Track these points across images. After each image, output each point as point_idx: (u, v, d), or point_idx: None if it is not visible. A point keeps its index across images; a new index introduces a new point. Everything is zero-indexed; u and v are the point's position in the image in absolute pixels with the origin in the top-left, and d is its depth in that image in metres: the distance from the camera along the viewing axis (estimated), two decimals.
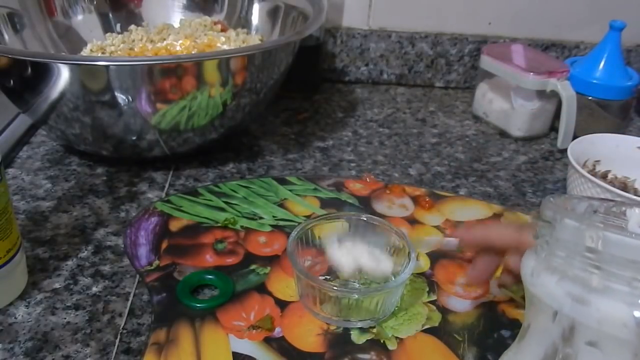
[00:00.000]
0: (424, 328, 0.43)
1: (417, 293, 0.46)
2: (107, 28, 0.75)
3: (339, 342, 0.41)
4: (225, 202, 0.56)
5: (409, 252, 0.44)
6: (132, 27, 0.74)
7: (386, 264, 0.45)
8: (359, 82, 0.89)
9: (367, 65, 0.88)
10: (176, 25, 0.76)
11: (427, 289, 0.47)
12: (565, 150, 0.59)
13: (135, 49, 0.69)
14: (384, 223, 0.47)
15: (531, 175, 0.67)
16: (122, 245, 0.50)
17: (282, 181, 0.60)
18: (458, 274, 0.48)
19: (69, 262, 0.48)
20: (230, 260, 0.48)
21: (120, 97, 0.53)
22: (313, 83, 0.85)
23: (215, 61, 0.54)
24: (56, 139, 0.65)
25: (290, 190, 0.59)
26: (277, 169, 0.64)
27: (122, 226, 0.53)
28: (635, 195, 0.55)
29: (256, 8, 0.76)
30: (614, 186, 0.54)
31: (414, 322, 0.43)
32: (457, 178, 0.65)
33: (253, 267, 0.48)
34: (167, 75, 0.52)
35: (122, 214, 0.55)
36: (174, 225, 0.52)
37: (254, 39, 0.72)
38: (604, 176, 0.61)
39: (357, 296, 0.42)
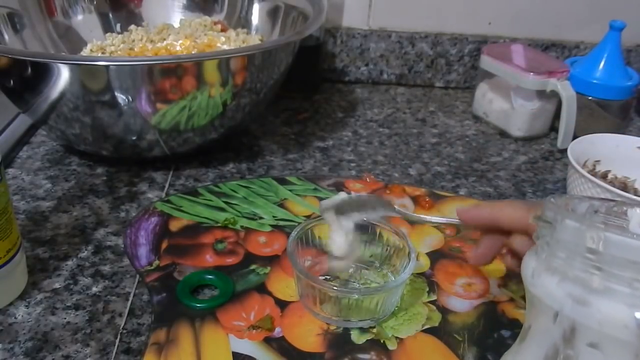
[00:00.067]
0: (424, 328, 0.43)
1: (417, 293, 0.46)
2: (107, 28, 0.75)
3: (339, 342, 0.41)
4: (225, 202, 0.56)
5: (409, 252, 0.44)
6: (132, 27, 0.74)
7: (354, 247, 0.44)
8: (359, 82, 0.89)
9: (367, 65, 0.88)
10: (176, 25, 0.76)
11: (427, 289, 0.47)
12: (565, 150, 0.59)
13: (135, 49, 0.69)
14: (384, 223, 0.47)
15: (531, 175, 0.67)
16: (122, 245, 0.50)
17: (282, 181, 0.60)
18: (458, 274, 0.48)
19: (69, 262, 0.48)
20: (230, 260, 0.48)
21: (120, 97, 0.53)
22: (313, 83, 0.85)
23: (215, 61, 0.54)
24: (56, 139, 0.65)
25: (290, 190, 0.59)
26: (277, 169, 0.64)
27: (122, 226, 0.53)
28: (635, 195, 0.55)
29: (256, 8, 0.76)
30: (614, 186, 0.54)
31: (414, 322, 0.43)
32: (457, 178, 0.65)
33: (253, 267, 0.48)
34: (167, 75, 0.52)
35: (122, 214, 0.55)
36: (174, 225, 0.52)
37: (254, 39, 0.72)
38: (604, 176, 0.61)
39: (357, 296, 0.42)
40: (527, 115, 0.73)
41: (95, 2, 0.75)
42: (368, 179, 0.61)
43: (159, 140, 0.58)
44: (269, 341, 0.41)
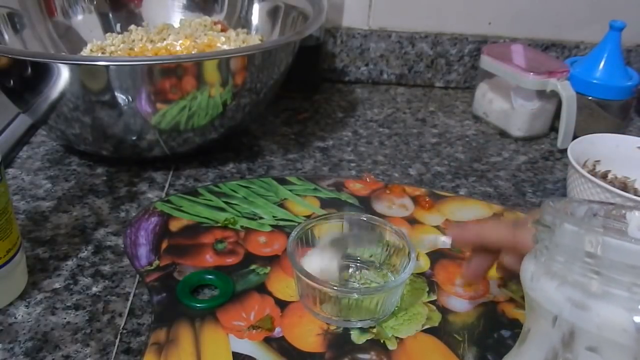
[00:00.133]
0: (424, 328, 0.43)
1: (417, 293, 0.46)
2: (107, 28, 0.75)
3: (339, 342, 0.41)
4: (225, 202, 0.56)
5: (409, 252, 0.44)
6: (132, 27, 0.74)
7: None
8: (359, 82, 0.89)
9: (367, 65, 0.88)
10: (176, 25, 0.76)
11: (427, 289, 0.47)
12: (565, 150, 0.59)
13: (135, 49, 0.69)
14: (384, 223, 0.47)
15: (531, 175, 0.67)
16: (122, 245, 0.50)
17: (282, 181, 0.60)
18: (458, 274, 0.48)
19: (69, 262, 0.48)
20: (230, 260, 0.48)
21: (120, 97, 0.53)
22: (313, 83, 0.85)
23: (215, 61, 0.54)
24: (56, 139, 0.65)
25: (290, 190, 0.59)
26: (277, 169, 0.64)
27: (122, 226, 0.53)
28: (635, 195, 0.55)
29: (256, 8, 0.76)
30: (614, 186, 0.54)
31: (414, 322, 0.43)
32: (457, 178, 0.65)
33: (253, 267, 0.48)
34: (167, 75, 0.52)
35: (122, 214, 0.55)
36: (174, 225, 0.52)
37: (254, 39, 0.72)
38: (604, 176, 0.61)
39: (357, 296, 0.41)
40: (527, 115, 0.73)
41: (95, 2, 0.75)
42: (368, 179, 0.61)
43: (159, 140, 0.58)
44: (269, 341, 0.41)
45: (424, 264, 0.49)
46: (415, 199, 0.58)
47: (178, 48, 0.68)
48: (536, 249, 0.31)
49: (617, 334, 0.26)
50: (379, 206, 0.57)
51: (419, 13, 0.85)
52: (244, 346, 0.40)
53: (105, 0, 0.75)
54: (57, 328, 0.42)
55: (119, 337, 0.41)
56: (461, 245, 0.44)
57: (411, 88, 0.89)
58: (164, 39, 0.71)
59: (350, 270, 0.48)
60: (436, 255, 0.50)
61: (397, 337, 0.42)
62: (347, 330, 0.42)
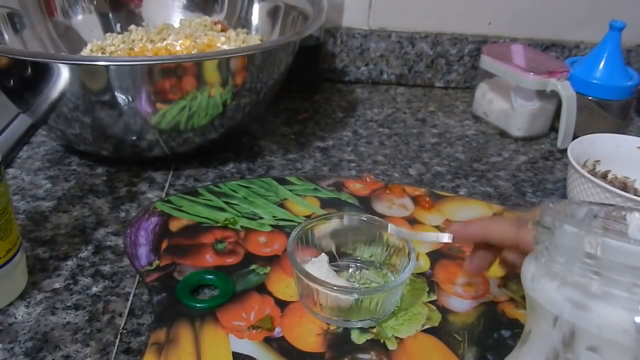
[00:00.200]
0: (424, 328, 0.43)
1: (417, 293, 0.46)
2: (107, 28, 0.75)
3: (339, 342, 0.41)
4: (225, 202, 0.56)
5: (409, 252, 0.44)
6: (132, 27, 0.74)
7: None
8: (359, 82, 0.89)
9: (367, 65, 0.88)
10: (176, 25, 0.76)
11: (427, 289, 0.47)
12: (565, 150, 0.59)
13: (135, 49, 0.69)
14: (384, 223, 0.47)
15: (531, 175, 0.67)
16: (122, 245, 0.50)
17: (282, 181, 0.60)
18: (458, 274, 0.48)
19: (69, 262, 0.48)
20: (230, 260, 0.48)
21: (120, 97, 0.53)
22: (313, 83, 0.85)
23: (215, 61, 0.54)
24: (56, 139, 0.65)
25: (290, 190, 0.59)
26: (277, 169, 0.64)
27: (122, 226, 0.53)
28: (635, 195, 0.55)
29: (256, 8, 0.76)
30: (614, 186, 0.54)
31: (414, 322, 0.43)
32: (457, 178, 0.65)
33: (253, 267, 0.48)
34: (167, 75, 0.52)
35: (122, 214, 0.55)
36: (174, 225, 0.52)
37: (254, 39, 0.72)
38: (604, 176, 0.61)
39: (357, 296, 0.41)
40: (527, 115, 0.73)
41: (95, 2, 0.75)
42: (368, 179, 0.61)
43: (159, 140, 0.58)
44: (269, 341, 0.41)
45: (424, 264, 0.49)
46: (415, 199, 0.58)
47: (178, 48, 0.68)
48: (536, 250, 0.31)
49: (617, 334, 0.26)
50: (379, 206, 0.57)
51: (419, 13, 0.85)
52: (244, 346, 0.40)
53: (105, 0, 0.75)
54: (57, 328, 0.42)
55: (119, 337, 0.41)
56: (463, 242, 0.44)
57: (411, 88, 0.89)
58: (164, 39, 0.71)
59: (350, 270, 0.48)
60: (436, 255, 0.50)
61: (397, 337, 0.42)
62: (347, 330, 0.42)
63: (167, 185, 0.60)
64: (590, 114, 0.74)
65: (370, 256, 0.48)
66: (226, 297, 0.44)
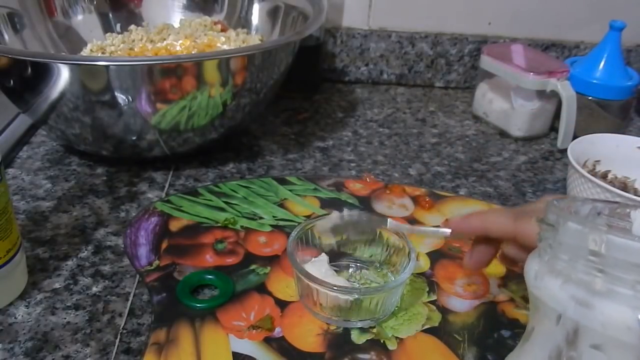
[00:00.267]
0: (424, 328, 0.43)
1: (417, 293, 0.46)
2: (107, 28, 0.75)
3: (339, 342, 0.41)
4: (225, 202, 0.56)
5: (408, 252, 0.44)
6: (132, 27, 0.74)
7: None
8: (359, 82, 0.89)
9: (367, 65, 0.88)
10: (176, 25, 0.76)
11: (427, 289, 0.47)
12: (565, 150, 0.59)
13: (135, 49, 0.69)
14: (383, 218, 0.47)
15: (531, 175, 0.67)
16: (122, 245, 0.50)
17: (282, 181, 0.60)
18: (458, 274, 0.48)
19: (69, 262, 0.48)
20: (230, 260, 0.48)
21: (120, 97, 0.53)
22: (313, 83, 0.85)
23: (215, 61, 0.54)
24: (56, 139, 0.65)
25: (290, 190, 0.59)
26: (277, 169, 0.64)
27: (122, 226, 0.53)
28: (635, 195, 0.55)
29: (256, 8, 0.76)
30: (614, 186, 0.54)
31: (414, 322, 0.43)
32: (457, 178, 0.65)
33: (253, 267, 0.48)
34: (167, 75, 0.52)
35: (122, 214, 0.55)
36: (174, 225, 0.52)
37: (254, 39, 0.72)
38: (604, 176, 0.61)
39: (357, 296, 0.41)
40: (527, 115, 0.73)
41: (95, 2, 0.75)
42: (368, 179, 0.61)
43: (159, 140, 0.58)
44: (269, 341, 0.41)
45: (424, 264, 0.49)
46: (415, 199, 0.58)
47: (178, 48, 0.68)
48: (540, 248, 0.31)
49: (621, 332, 0.26)
50: (379, 206, 0.57)
51: (419, 13, 0.85)
52: (244, 346, 0.40)
53: (105, 0, 0.75)
54: (57, 328, 0.42)
55: (119, 337, 0.41)
56: (462, 235, 0.43)
57: (411, 88, 0.89)
58: (164, 39, 0.71)
59: (350, 270, 0.48)
60: (436, 255, 0.50)
61: (397, 337, 0.42)
62: (347, 330, 0.42)
63: (167, 185, 0.60)
64: (590, 114, 0.74)
65: (370, 256, 0.48)
66: (226, 297, 0.44)
